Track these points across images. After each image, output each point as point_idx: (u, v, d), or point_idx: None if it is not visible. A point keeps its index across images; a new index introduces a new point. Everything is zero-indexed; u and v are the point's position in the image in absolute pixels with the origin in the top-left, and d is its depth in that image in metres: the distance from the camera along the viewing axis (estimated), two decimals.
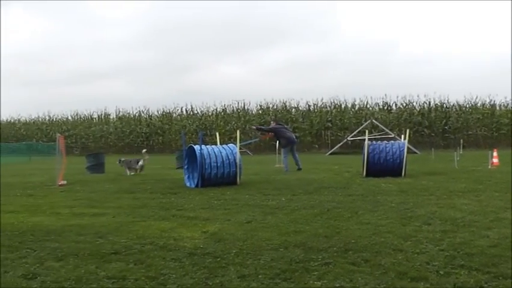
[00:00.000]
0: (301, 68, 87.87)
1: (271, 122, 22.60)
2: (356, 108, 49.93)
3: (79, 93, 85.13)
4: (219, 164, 13.89)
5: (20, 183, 16.01)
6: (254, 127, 25.84)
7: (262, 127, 27.51)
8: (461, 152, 29.02)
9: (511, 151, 31.94)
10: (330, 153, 40.23)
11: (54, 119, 60.57)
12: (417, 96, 49.64)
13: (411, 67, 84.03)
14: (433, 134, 46.23)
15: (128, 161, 20.08)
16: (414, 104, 48.53)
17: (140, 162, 19.78)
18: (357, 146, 39.81)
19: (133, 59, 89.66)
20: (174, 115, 55.67)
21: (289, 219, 8.29)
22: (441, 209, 9.09)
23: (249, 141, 40.45)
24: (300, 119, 49.58)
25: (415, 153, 35.27)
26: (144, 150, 20.99)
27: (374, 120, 43.26)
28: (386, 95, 52.70)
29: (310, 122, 49.15)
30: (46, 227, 7.96)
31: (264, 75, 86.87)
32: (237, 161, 14.18)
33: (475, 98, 48.20)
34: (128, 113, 57.34)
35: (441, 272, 5.09)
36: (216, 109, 54.24)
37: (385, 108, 49.18)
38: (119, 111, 58.11)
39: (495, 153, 19.86)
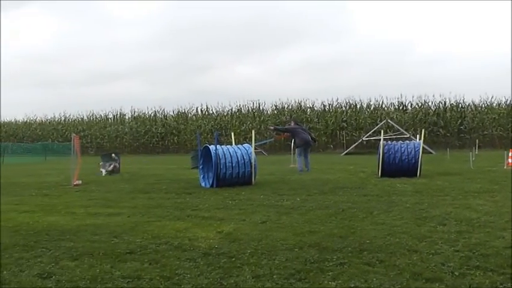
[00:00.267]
0: (317, 68, 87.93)
1: (291, 122, 22.36)
2: (371, 108, 49.81)
3: (94, 93, 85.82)
4: (234, 164, 13.88)
5: (35, 183, 16.12)
6: (271, 127, 25.76)
7: (279, 127, 27.47)
8: (476, 152, 28.82)
9: None
10: (345, 154, 40.19)
11: (69, 119, 60.96)
12: (433, 96, 49.81)
13: (426, 67, 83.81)
14: (448, 134, 45.97)
15: (103, 164, 20.68)
16: (430, 104, 48.36)
17: (110, 167, 20.50)
18: (372, 146, 39.71)
19: (149, 59, 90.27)
20: (189, 115, 55.83)
21: (304, 220, 8.27)
22: (456, 209, 9.03)
23: (264, 141, 40.48)
24: (315, 119, 49.54)
25: (430, 153, 35.14)
26: (113, 155, 21.51)
27: (389, 120, 43.13)
28: (401, 95, 52.65)
29: (326, 122, 49.09)
30: (61, 227, 8.01)
31: (280, 76, 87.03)
32: (252, 161, 14.18)
33: (490, 97, 48.06)
34: (144, 113, 57.63)
35: (457, 273, 5.06)
36: (231, 109, 54.38)
37: (400, 108, 49.01)
38: (134, 112, 58.40)
39: (511, 154, 19.70)
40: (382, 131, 18.97)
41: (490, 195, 10.93)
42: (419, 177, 15.36)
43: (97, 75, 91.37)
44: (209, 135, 48.10)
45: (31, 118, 63.05)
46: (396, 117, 46.56)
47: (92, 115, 60.27)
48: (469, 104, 47.56)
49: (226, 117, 53.32)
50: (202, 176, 14.48)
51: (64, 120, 61.18)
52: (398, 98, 49.70)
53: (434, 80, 76.32)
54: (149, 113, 57.37)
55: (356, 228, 7.44)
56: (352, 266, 5.37)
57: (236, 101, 69.35)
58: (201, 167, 14.65)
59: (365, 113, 49.14)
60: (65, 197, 12.31)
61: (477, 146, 34.90)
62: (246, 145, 15.07)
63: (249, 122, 51.02)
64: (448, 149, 33.26)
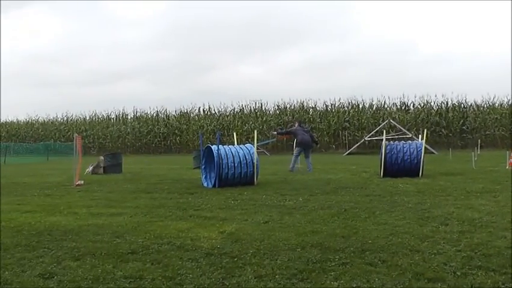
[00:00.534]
0: (319, 68, 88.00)
1: (295, 123, 22.31)
2: (374, 108, 49.83)
3: (97, 93, 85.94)
4: (236, 164, 13.88)
5: (37, 183, 16.13)
6: (275, 132, 25.82)
7: (281, 131, 27.45)
8: (478, 152, 28.77)
9: None
10: (348, 154, 40.17)
11: (72, 119, 61.04)
12: (435, 96, 49.83)
13: (428, 67, 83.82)
14: (451, 134, 45.98)
15: (92, 164, 21.10)
16: (432, 104, 48.41)
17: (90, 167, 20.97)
18: (375, 146, 39.75)
19: (151, 59, 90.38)
20: (192, 115, 55.88)
21: (307, 220, 8.26)
22: (458, 209, 9.01)
23: (266, 142, 40.49)
24: (318, 119, 49.57)
25: (432, 153, 35.13)
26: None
27: (391, 120, 43.12)
28: (403, 95, 52.74)
29: (328, 122, 49.12)
30: (63, 227, 8.00)
31: (282, 76, 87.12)
32: (254, 161, 14.18)
33: (492, 98, 48.01)
34: (146, 113, 57.73)
35: (459, 273, 5.05)
36: (234, 109, 54.47)
37: (403, 108, 49.04)
38: (136, 112, 58.48)
39: None
40: (384, 131, 18.98)
41: (492, 195, 10.91)
42: (421, 177, 15.34)
43: (99, 75, 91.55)
44: (211, 135, 48.11)
45: (33, 118, 63.24)
46: (399, 117, 46.58)
47: (95, 115, 60.47)
48: (471, 104, 47.61)
49: (229, 117, 53.40)
50: (204, 176, 14.48)
51: (67, 120, 61.32)
52: (400, 98, 49.85)
53: (436, 80, 76.48)
54: (152, 113, 57.57)
55: (358, 228, 7.44)
56: (354, 266, 5.37)
57: (238, 101, 69.62)
58: (203, 167, 14.65)
59: (367, 113, 49.18)
60: (67, 197, 12.31)
61: (479, 146, 34.82)
62: (248, 145, 15.05)
63: (251, 122, 51.05)
64: (450, 149, 33.28)
